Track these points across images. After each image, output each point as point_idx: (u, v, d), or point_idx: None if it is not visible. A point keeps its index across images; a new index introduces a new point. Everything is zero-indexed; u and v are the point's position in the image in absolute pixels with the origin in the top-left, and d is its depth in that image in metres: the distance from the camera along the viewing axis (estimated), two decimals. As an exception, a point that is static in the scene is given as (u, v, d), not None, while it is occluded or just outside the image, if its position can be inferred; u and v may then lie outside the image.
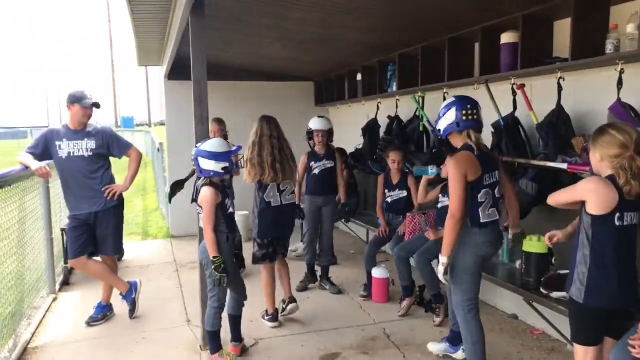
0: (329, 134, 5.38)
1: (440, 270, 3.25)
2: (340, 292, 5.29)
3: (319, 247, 5.48)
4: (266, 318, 4.48)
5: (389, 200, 5.14)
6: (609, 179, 2.52)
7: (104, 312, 4.69)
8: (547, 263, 3.44)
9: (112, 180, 4.61)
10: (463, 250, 3.22)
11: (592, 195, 2.52)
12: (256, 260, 4.40)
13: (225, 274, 3.51)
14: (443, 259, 3.20)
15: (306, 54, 6.29)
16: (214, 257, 3.48)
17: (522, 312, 4.48)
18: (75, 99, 4.37)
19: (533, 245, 3.49)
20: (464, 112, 3.17)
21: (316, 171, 5.35)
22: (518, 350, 3.94)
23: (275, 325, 4.42)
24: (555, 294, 3.23)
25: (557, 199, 2.76)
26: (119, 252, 4.75)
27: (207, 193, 3.55)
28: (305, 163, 5.35)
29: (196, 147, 3.72)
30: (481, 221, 3.18)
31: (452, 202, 3.12)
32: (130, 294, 4.71)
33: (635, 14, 3.02)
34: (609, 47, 3.21)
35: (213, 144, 3.63)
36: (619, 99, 3.17)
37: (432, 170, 4.14)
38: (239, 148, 3.89)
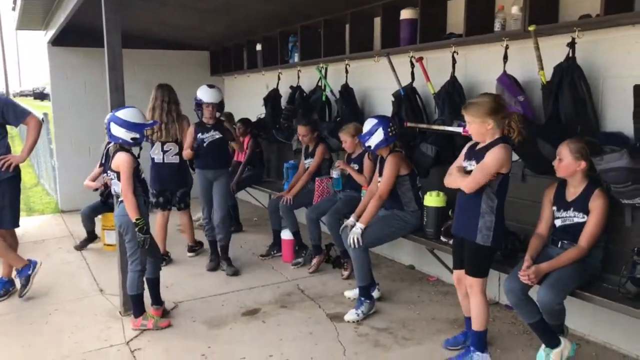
0: (219, 106, 4.94)
1: (356, 232, 3.89)
2: (237, 273, 4.94)
3: (214, 224, 5.07)
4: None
5: (307, 166, 5.36)
6: (504, 140, 3.00)
7: (5, 288, 4.48)
8: (445, 215, 3.91)
9: (7, 150, 4.39)
10: (403, 227, 4.09)
11: (507, 162, 2.98)
12: (152, 206, 4.97)
13: (149, 235, 3.60)
14: (361, 226, 3.91)
15: (207, 22, 6.27)
16: (137, 219, 3.54)
17: (418, 263, 5.03)
18: None
19: (433, 200, 3.94)
20: (388, 130, 3.99)
21: (205, 143, 4.91)
22: (418, 295, 4.44)
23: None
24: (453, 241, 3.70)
25: (476, 182, 3.00)
26: (17, 224, 4.54)
27: (125, 157, 3.59)
28: (193, 134, 4.87)
29: (112, 112, 3.68)
30: (421, 201, 4.06)
31: (384, 186, 3.98)
32: (27, 269, 4.41)
33: (519, -3, 3.51)
34: (497, 26, 3.70)
35: (129, 113, 3.63)
36: (504, 71, 3.67)
37: (337, 176, 4.83)
38: (155, 123, 3.91)
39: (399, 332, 3.76)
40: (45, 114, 7.83)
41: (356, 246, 3.92)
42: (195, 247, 5.57)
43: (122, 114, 3.60)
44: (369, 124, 4.09)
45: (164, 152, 5.00)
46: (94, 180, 5.09)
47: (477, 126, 3.04)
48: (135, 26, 6.57)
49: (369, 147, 4.09)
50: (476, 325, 3.18)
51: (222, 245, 5.08)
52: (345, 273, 4.78)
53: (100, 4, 3.80)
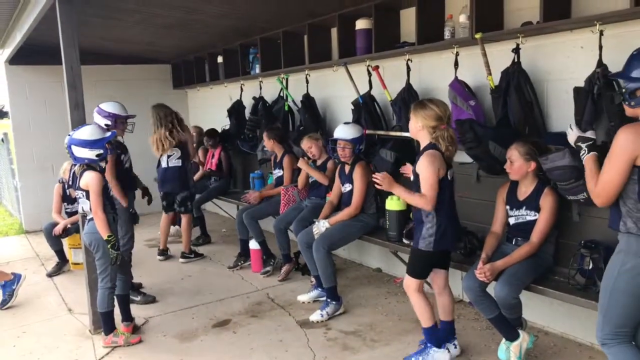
0: None
1: (322, 225, 4.18)
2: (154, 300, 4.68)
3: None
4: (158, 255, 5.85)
5: (274, 176, 5.55)
6: (433, 147, 3.09)
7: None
8: (407, 218, 4.03)
9: None
10: (362, 227, 4.30)
11: (437, 167, 3.04)
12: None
13: (120, 252, 3.63)
14: (327, 225, 4.22)
15: (166, 37, 6.30)
16: (109, 236, 3.57)
17: (385, 266, 5.14)
18: None
19: (394, 203, 4.06)
20: None
21: (127, 165, 4.66)
22: (385, 297, 4.55)
23: (161, 258, 5.83)
24: (415, 243, 3.83)
25: (431, 198, 3.01)
26: None
27: (93, 176, 3.60)
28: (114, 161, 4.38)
29: (69, 135, 3.69)
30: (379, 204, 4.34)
31: (360, 199, 4.21)
32: (12, 284, 4.62)
33: (466, 6, 3.65)
34: (447, 34, 3.85)
35: (86, 132, 3.65)
36: (456, 77, 3.82)
37: None
38: (113, 134, 3.93)
39: (367, 334, 3.85)
40: (5, 134, 7.71)
41: (317, 235, 4.18)
42: (166, 252, 5.92)
43: (80, 134, 3.62)
44: (357, 130, 4.28)
45: (168, 157, 5.46)
46: (59, 210, 5.57)
47: (411, 123, 3.18)
48: (94, 43, 6.57)
49: (361, 150, 4.30)
50: (423, 322, 3.30)
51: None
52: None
53: (57, 22, 3.83)
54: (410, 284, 3.27)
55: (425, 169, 3.04)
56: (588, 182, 2.42)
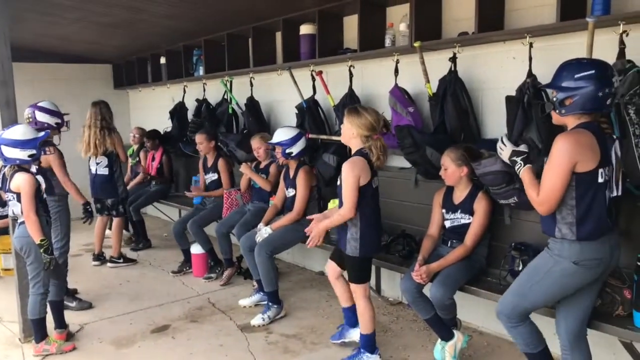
0: None
1: (264, 232, 4.11)
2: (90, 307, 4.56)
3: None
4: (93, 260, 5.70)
5: (207, 181, 5.46)
6: (361, 153, 3.11)
7: None
8: (348, 221, 4.08)
9: None
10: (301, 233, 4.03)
11: (363, 173, 3.06)
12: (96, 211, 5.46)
13: (54, 256, 3.51)
14: (269, 231, 4.14)
15: (108, 36, 6.15)
16: (41, 240, 3.43)
17: (327, 269, 5.18)
18: None
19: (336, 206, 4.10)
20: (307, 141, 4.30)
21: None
22: (327, 300, 4.59)
23: (96, 263, 5.67)
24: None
25: (352, 202, 3.05)
26: None
27: (25, 178, 3.47)
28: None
29: None
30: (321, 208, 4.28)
31: (302, 204, 4.20)
32: None
33: (406, 15, 3.76)
34: (387, 42, 3.95)
35: (17, 131, 3.52)
36: (396, 84, 3.92)
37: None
38: (47, 134, 3.81)
39: (307, 337, 3.88)
40: None
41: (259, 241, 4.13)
42: (101, 257, 5.75)
43: (11, 133, 3.48)
44: (290, 132, 4.21)
45: (97, 164, 5.35)
46: None
47: (345, 129, 3.17)
48: (31, 39, 6.35)
49: (290, 153, 4.17)
50: (363, 329, 3.33)
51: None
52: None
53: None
54: (355, 289, 3.30)
55: (346, 176, 3.05)
56: (529, 192, 2.48)
